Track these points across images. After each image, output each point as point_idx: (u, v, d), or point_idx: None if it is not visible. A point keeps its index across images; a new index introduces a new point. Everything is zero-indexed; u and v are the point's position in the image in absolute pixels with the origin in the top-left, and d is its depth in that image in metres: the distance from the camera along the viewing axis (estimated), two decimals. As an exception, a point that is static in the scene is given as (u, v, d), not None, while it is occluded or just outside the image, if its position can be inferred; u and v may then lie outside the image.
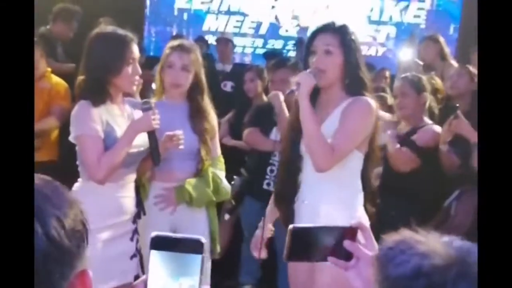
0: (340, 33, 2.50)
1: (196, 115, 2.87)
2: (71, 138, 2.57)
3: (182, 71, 2.85)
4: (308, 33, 2.63)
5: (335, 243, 1.39)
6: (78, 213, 0.90)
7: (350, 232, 1.40)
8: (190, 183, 2.83)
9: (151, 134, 2.59)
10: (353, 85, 2.48)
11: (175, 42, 2.96)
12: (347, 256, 1.39)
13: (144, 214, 2.74)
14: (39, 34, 4.77)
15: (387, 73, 5.91)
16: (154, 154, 2.61)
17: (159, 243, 1.00)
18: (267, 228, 2.67)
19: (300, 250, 1.40)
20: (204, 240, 1.01)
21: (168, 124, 2.73)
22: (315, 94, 2.49)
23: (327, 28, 2.52)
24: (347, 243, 1.38)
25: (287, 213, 2.54)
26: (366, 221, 2.41)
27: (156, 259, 1.00)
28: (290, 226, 1.39)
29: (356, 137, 2.44)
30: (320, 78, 2.43)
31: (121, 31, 2.62)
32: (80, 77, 2.63)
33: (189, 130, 2.83)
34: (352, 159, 2.47)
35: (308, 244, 1.39)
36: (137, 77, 2.61)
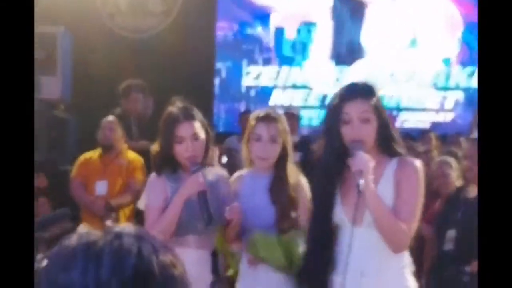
0: (371, 97, 2.35)
1: (276, 187, 2.78)
2: (138, 206, 2.82)
3: (270, 143, 2.77)
4: (333, 99, 2.44)
5: None
6: (174, 259, 0.92)
7: None
8: (260, 238, 2.70)
9: (201, 196, 2.62)
10: (387, 144, 2.40)
11: (260, 113, 2.85)
12: None
13: (220, 281, 2.76)
14: (115, 114, 4.98)
15: (462, 139, 5.85)
16: (204, 216, 2.62)
17: None
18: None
19: None
20: None
21: (249, 196, 2.77)
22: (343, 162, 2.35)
23: (357, 94, 2.36)
24: None
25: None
26: None
27: None
28: None
29: (420, 204, 2.38)
30: (361, 148, 2.30)
31: (175, 110, 2.71)
32: (154, 150, 2.77)
33: (267, 202, 2.77)
34: None
35: None
36: (190, 154, 2.65)
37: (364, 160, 2.25)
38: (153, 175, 2.74)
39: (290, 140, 2.87)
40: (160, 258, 0.88)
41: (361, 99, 2.33)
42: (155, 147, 2.76)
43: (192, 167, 2.66)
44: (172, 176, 2.70)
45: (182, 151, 2.66)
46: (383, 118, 2.37)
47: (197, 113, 2.74)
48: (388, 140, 2.39)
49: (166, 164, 2.70)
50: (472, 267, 3.39)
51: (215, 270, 2.74)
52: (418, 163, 2.41)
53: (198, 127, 2.70)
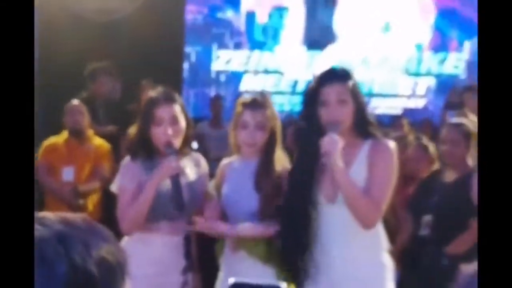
0: (348, 80, 2.48)
1: (261, 173, 2.68)
2: (111, 189, 2.75)
3: (256, 130, 2.67)
4: (311, 83, 2.56)
5: None
6: (114, 249, 0.87)
7: None
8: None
9: (174, 180, 2.57)
10: (362, 126, 2.51)
11: (247, 98, 2.76)
12: None
13: (193, 267, 2.70)
14: (82, 98, 4.85)
15: (429, 125, 5.89)
16: (175, 200, 2.56)
17: None
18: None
19: None
20: (285, 285, 1.00)
21: (236, 184, 2.71)
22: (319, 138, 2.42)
23: (335, 77, 2.49)
24: None
25: (301, 267, 2.51)
26: (390, 266, 2.55)
27: None
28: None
29: (391, 184, 2.50)
30: (337, 129, 2.42)
31: (155, 93, 2.68)
32: (131, 133, 2.73)
33: (251, 189, 2.69)
34: None
35: None
36: (168, 138, 2.60)
37: (332, 141, 2.36)
38: (127, 158, 2.70)
39: (279, 125, 2.76)
40: (93, 255, 0.83)
41: (338, 83, 2.45)
42: (132, 130, 2.72)
43: (167, 149, 2.60)
44: (147, 162, 2.66)
45: (160, 133, 2.61)
46: (360, 102, 2.49)
47: (178, 98, 2.71)
48: (364, 123, 2.51)
49: (142, 148, 2.66)
50: (450, 249, 3.38)
51: (187, 255, 2.69)
52: (391, 144, 2.53)
53: (178, 111, 2.65)
